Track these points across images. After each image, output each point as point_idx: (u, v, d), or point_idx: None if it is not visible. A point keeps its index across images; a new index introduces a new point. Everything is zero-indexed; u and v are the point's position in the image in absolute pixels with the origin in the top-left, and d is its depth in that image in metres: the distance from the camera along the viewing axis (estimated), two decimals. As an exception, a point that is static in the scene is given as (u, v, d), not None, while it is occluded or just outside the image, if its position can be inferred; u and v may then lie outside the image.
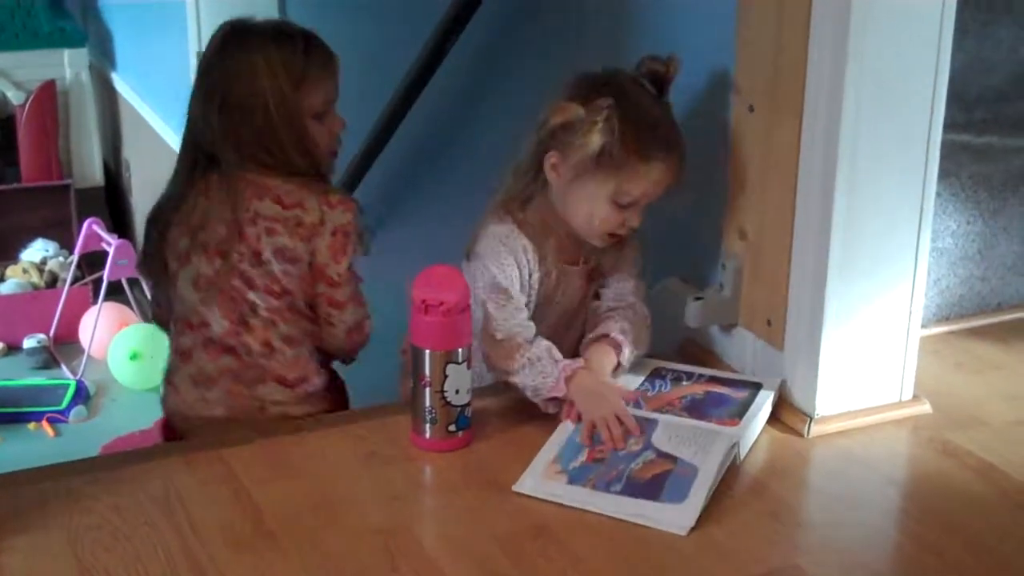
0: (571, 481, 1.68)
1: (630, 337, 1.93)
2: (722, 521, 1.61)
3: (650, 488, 1.65)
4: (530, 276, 1.93)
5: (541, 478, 1.70)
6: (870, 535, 1.61)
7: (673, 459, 1.71)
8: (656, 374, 1.96)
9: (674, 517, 1.59)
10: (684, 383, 1.92)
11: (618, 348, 1.93)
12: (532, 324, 1.90)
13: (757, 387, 1.87)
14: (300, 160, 2.02)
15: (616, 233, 1.92)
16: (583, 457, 1.74)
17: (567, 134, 1.86)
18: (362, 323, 2.06)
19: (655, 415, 1.82)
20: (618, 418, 1.78)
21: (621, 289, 2.01)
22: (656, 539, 1.57)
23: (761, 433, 1.81)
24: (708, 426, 1.78)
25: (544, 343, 1.87)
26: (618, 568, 1.52)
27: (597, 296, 2.02)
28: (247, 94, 2.00)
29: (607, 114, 1.83)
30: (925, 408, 1.88)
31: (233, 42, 2.06)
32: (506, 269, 1.90)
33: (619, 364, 1.93)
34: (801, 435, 1.81)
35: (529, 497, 1.65)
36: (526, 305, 1.93)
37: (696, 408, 1.84)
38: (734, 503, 1.66)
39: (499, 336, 1.86)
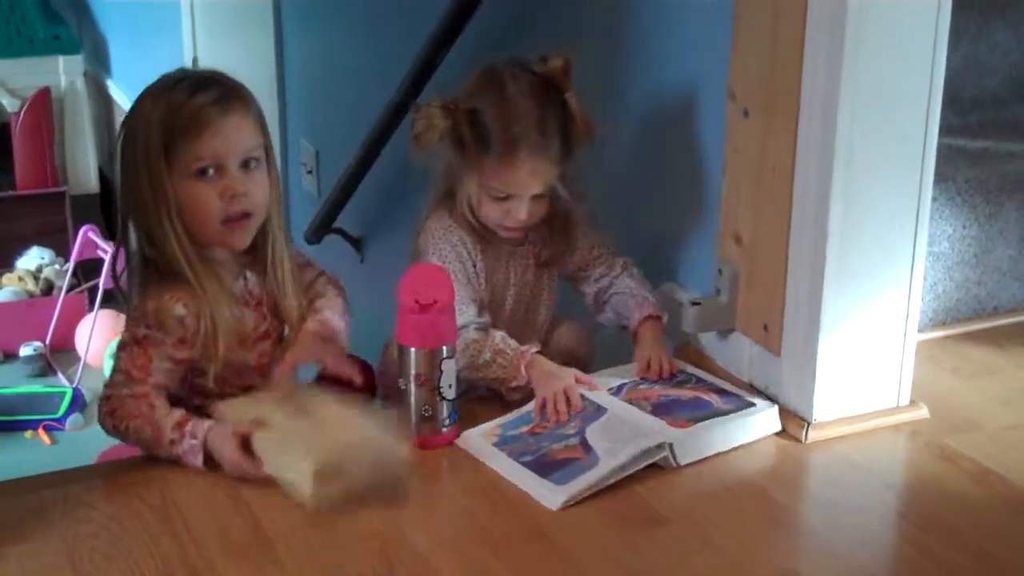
0: (498, 444, 1.78)
1: (650, 295, 2.03)
2: (721, 526, 1.61)
3: (550, 468, 1.72)
4: (474, 266, 1.97)
5: (480, 436, 1.81)
6: (868, 540, 1.61)
7: (588, 449, 1.74)
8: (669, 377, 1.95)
9: (546, 494, 1.66)
10: (681, 384, 1.92)
11: (657, 317, 2.00)
12: (485, 316, 1.95)
13: (750, 405, 1.85)
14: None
15: (511, 227, 1.95)
16: (524, 428, 1.82)
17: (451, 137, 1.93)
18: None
19: (606, 405, 1.84)
20: (566, 395, 1.85)
21: (591, 256, 2.06)
22: (656, 545, 1.57)
23: (759, 439, 1.81)
24: (649, 424, 1.78)
25: (497, 335, 1.92)
26: (615, 572, 1.52)
27: (588, 287, 2.08)
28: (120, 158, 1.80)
29: (452, 118, 1.91)
30: (922, 413, 1.88)
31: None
32: (449, 263, 1.94)
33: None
34: (799, 440, 1.81)
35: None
36: (479, 297, 1.96)
37: (665, 407, 1.84)
38: (733, 508, 1.66)
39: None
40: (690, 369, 1.97)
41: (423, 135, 1.93)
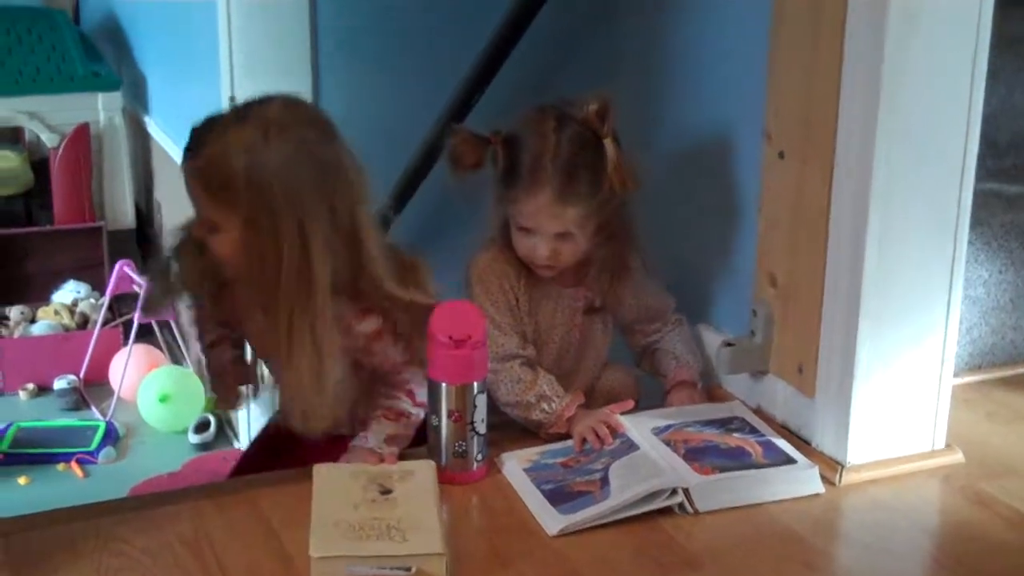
0: (528, 469, 1.81)
1: (692, 358, 2.05)
2: (755, 569, 1.60)
3: (563, 498, 1.72)
4: (517, 300, 1.98)
5: (516, 460, 1.84)
6: (902, 585, 1.60)
7: (605, 484, 1.74)
8: (723, 422, 1.94)
9: (548, 520, 1.68)
10: (731, 431, 1.90)
11: (693, 385, 2.03)
12: (529, 349, 1.96)
13: (789, 462, 1.82)
14: None
15: (539, 264, 1.96)
16: (560, 459, 1.84)
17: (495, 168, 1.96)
18: None
19: (640, 443, 1.84)
20: (605, 423, 1.88)
21: (645, 314, 2.08)
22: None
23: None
24: (670, 466, 1.77)
25: (544, 379, 1.93)
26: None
27: (636, 340, 2.10)
28: None
29: (498, 146, 1.94)
30: (957, 457, 1.87)
31: None
32: (493, 295, 1.96)
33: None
34: (833, 483, 1.80)
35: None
36: (521, 329, 1.98)
37: (699, 452, 1.83)
38: (767, 552, 1.65)
39: (494, 365, 1.90)
40: (748, 417, 1.95)
41: (458, 159, 1.96)
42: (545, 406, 1.91)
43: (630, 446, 1.84)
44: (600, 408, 1.94)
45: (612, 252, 2.00)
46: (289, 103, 1.84)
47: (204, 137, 1.77)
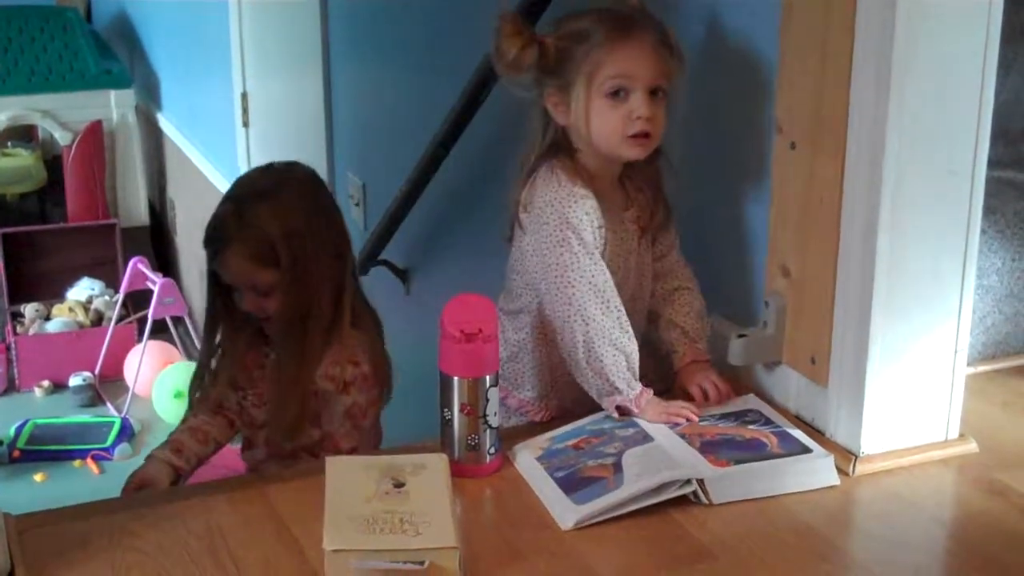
0: (541, 457, 1.81)
1: (704, 331, 2.02)
2: (767, 561, 1.60)
3: (577, 484, 1.72)
4: (600, 231, 1.91)
5: (526, 449, 1.84)
6: None
7: (618, 470, 1.73)
8: (738, 415, 1.93)
9: (563, 512, 1.67)
10: (746, 424, 1.90)
11: (707, 363, 2.00)
12: (622, 314, 1.90)
13: (805, 452, 1.81)
14: None
15: (637, 134, 1.87)
16: (571, 441, 1.84)
17: (544, 62, 1.88)
18: None
19: (655, 434, 1.84)
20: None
21: (669, 266, 2.04)
22: (699, 579, 1.56)
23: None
24: (685, 458, 1.76)
25: (633, 348, 1.89)
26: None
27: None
28: None
29: (556, 22, 1.89)
30: (971, 447, 1.86)
31: None
32: (581, 231, 1.87)
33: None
34: (847, 474, 1.80)
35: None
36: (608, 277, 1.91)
37: (715, 446, 1.82)
38: (779, 543, 1.64)
39: (578, 289, 1.86)
40: (763, 409, 1.95)
41: (505, 46, 1.88)
42: (630, 381, 1.88)
43: (644, 436, 1.84)
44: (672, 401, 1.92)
45: (650, 161, 1.95)
46: (289, 168, 2.18)
47: (229, 226, 2.08)
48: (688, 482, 1.70)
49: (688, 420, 1.88)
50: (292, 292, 2.06)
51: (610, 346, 1.87)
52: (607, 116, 1.86)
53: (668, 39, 1.89)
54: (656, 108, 1.87)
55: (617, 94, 1.86)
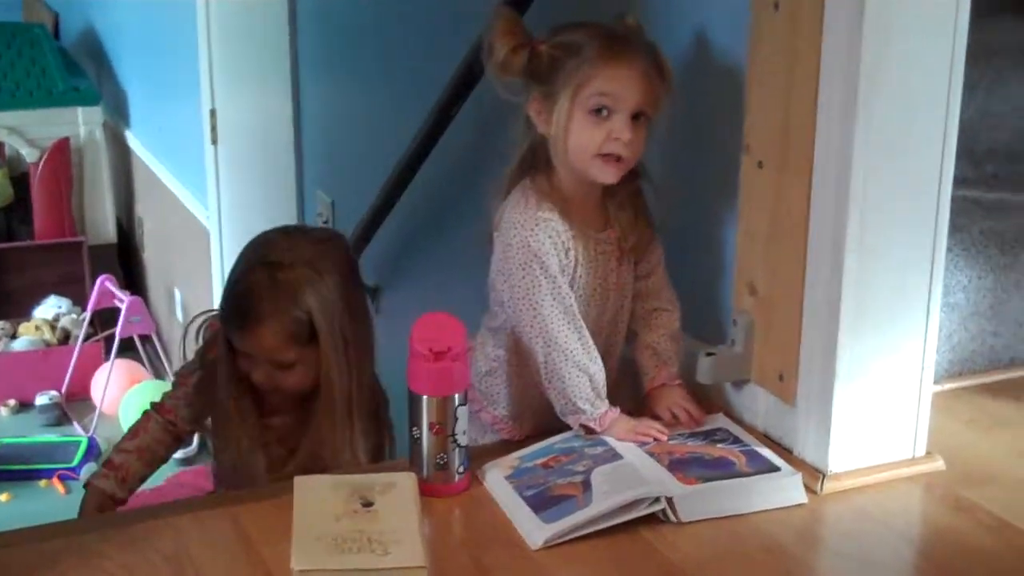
0: (510, 476, 1.80)
1: (674, 354, 2.00)
2: (735, 579, 1.60)
3: (546, 503, 1.72)
4: (567, 254, 1.90)
5: (498, 468, 1.83)
6: (884, 593, 1.60)
7: (587, 488, 1.73)
8: (707, 434, 1.94)
9: (532, 530, 1.67)
10: (714, 442, 1.91)
11: (679, 386, 1.99)
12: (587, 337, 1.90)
13: (773, 470, 1.82)
14: None
15: (614, 153, 1.86)
16: (540, 460, 1.84)
17: (534, 68, 1.87)
18: None
19: (624, 453, 1.84)
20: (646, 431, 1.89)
21: (651, 287, 2.03)
22: (668, 597, 1.56)
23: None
24: (654, 476, 1.77)
25: (597, 369, 1.89)
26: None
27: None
28: None
29: (552, 31, 1.86)
30: (938, 464, 1.87)
31: None
32: (545, 257, 1.87)
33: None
34: (815, 492, 1.80)
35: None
36: (573, 303, 1.91)
37: (683, 464, 1.82)
38: (747, 561, 1.65)
39: (540, 311, 1.87)
40: (731, 427, 1.95)
41: (497, 44, 1.86)
42: (594, 401, 1.88)
43: (614, 454, 1.84)
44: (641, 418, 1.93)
45: (631, 181, 1.94)
46: (326, 236, 2.15)
47: (265, 300, 1.98)
48: (657, 500, 1.71)
49: (656, 440, 1.88)
50: (319, 368, 2.01)
51: (573, 367, 1.88)
52: (586, 131, 1.86)
53: (660, 65, 1.88)
54: (636, 132, 1.86)
55: (600, 111, 1.85)
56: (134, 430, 2.21)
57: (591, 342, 1.90)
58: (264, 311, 1.98)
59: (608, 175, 1.89)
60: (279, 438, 2.11)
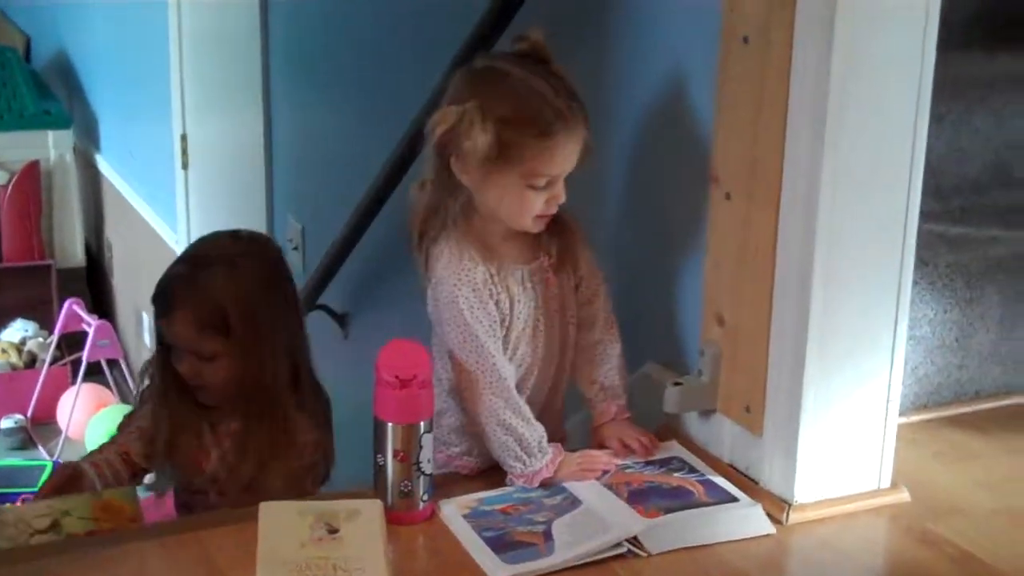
0: (468, 516, 1.80)
1: (620, 386, 2.01)
2: (700, 609, 1.60)
3: (506, 547, 1.71)
4: (496, 303, 1.91)
5: (454, 505, 1.82)
6: (848, 624, 1.60)
7: (549, 538, 1.73)
8: (663, 462, 1.95)
9: (492, 567, 1.67)
10: (671, 472, 1.91)
11: (624, 420, 2.00)
12: (511, 366, 1.91)
13: (732, 500, 1.83)
14: None
15: (546, 214, 1.89)
16: (499, 506, 1.83)
17: (457, 138, 1.84)
18: None
19: (583, 498, 1.83)
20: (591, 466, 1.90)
21: (594, 314, 2.02)
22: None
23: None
24: (616, 519, 1.76)
25: (525, 426, 1.88)
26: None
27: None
28: None
29: (480, 113, 1.81)
30: (903, 496, 1.88)
31: None
32: (471, 301, 1.88)
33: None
34: (780, 522, 1.81)
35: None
36: (504, 338, 1.92)
37: (642, 495, 1.83)
38: (712, 591, 1.65)
39: (487, 376, 1.89)
40: (685, 456, 1.96)
41: (468, 154, 1.83)
42: (526, 458, 1.88)
43: (573, 501, 1.83)
44: (580, 450, 1.94)
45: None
46: (253, 238, 2.17)
47: (180, 289, 2.05)
48: (619, 545, 1.71)
49: (604, 471, 1.88)
50: (242, 362, 2.03)
51: (498, 426, 1.89)
52: (525, 200, 1.87)
53: (586, 119, 1.88)
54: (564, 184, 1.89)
55: (537, 185, 1.86)
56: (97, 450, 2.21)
57: (519, 402, 1.90)
58: (179, 298, 2.04)
59: (540, 226, 1.92)
60: (234, 446, 2.10)
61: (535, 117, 1.83)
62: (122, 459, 2.13)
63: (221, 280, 2.03)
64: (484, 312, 1.89)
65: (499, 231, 1.93)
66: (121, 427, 2.22)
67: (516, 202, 1.87)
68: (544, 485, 1.88)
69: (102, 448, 2.18)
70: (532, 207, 1.87)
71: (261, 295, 2.06)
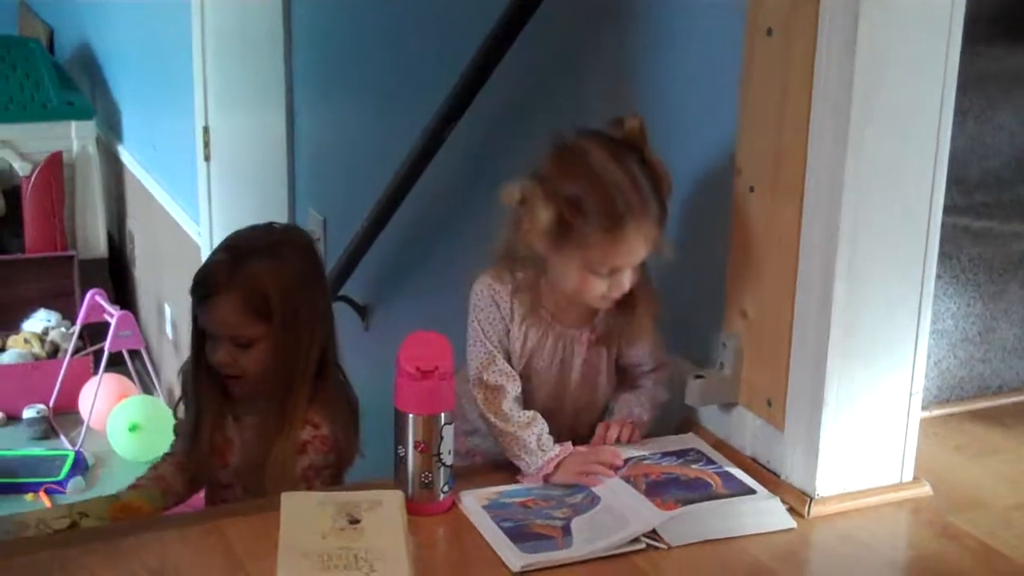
0: (487, 507, 1.80)
1: (651, 414, 2.00)
2: (721, 602, 1.60)
3: (523, 537, 1.71)
4: (507, 332, 1.94)
5: (473, 497, 1.82)
6: (870, 618, 1.60)
7: (567, 533, 1.73)
8: (680, 453, 1.95)
9: (510, 555, 1.67)
10: (689, 463, 1.91)
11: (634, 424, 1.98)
12: (516, 376, 1.93)
13: (749, 492, 1.83)
14: None
15: (611, 296, 1.88)
16: (519, 499, 1.83)
17: (523, 208, 1.85)
18: None
19: (601, 494, 1.83)
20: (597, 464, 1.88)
21: (636, 367, 2.02)
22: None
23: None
24: (635, 514, 1.76)
25: (532, 427, 1.89)
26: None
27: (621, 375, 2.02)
28: None
29: (543, 190, 1.82)
30: (925, 490, 1.87)
31: None
32: (483, 321, 1.93)
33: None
34: (802, 515, 1.81)
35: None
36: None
37: (660, 487, 1.83)
38: (733, 584, 1.65)
39: (486, 379, 1.92)
40: (703, 448, 1.96)
41: (530, 231, 1.84)
42: (526, 458, 1.88)
43: (592, 500, 1.83)
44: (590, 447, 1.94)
45: (636, 286, 1.91)
46: (289, 230, 2.23)
47: (223, 275, 2.05)
48: (637, 540, 1.71)
49: (606, 475, 1.87)
50: (280, 350, 2.05)
51: (493, 428, 1.91)
52: (586, 281, 1.86)
53: (663, 210, 1.85)
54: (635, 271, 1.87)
55: (600, 272, 1.85)
56: (152, 465, 2.24)
57: (507, 412, 1.91)
58: (221, 283, 2.05)
59: (605, 305, 1.91)
60: (253, 437, 2.11)
61: (604, 206, 1.80)
62: (177, 468, 2.15)
63: (265, 266, 2.05)
64: (492, 328, 1.94)
65: (559, 301, 1.94)
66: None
67: (577, 281, 1.86)
68: (546, 482, 1.88)
69: (156, 465, 2.21)
70: (593, 290, 1.86)
71: (301, 283, 2.08)
